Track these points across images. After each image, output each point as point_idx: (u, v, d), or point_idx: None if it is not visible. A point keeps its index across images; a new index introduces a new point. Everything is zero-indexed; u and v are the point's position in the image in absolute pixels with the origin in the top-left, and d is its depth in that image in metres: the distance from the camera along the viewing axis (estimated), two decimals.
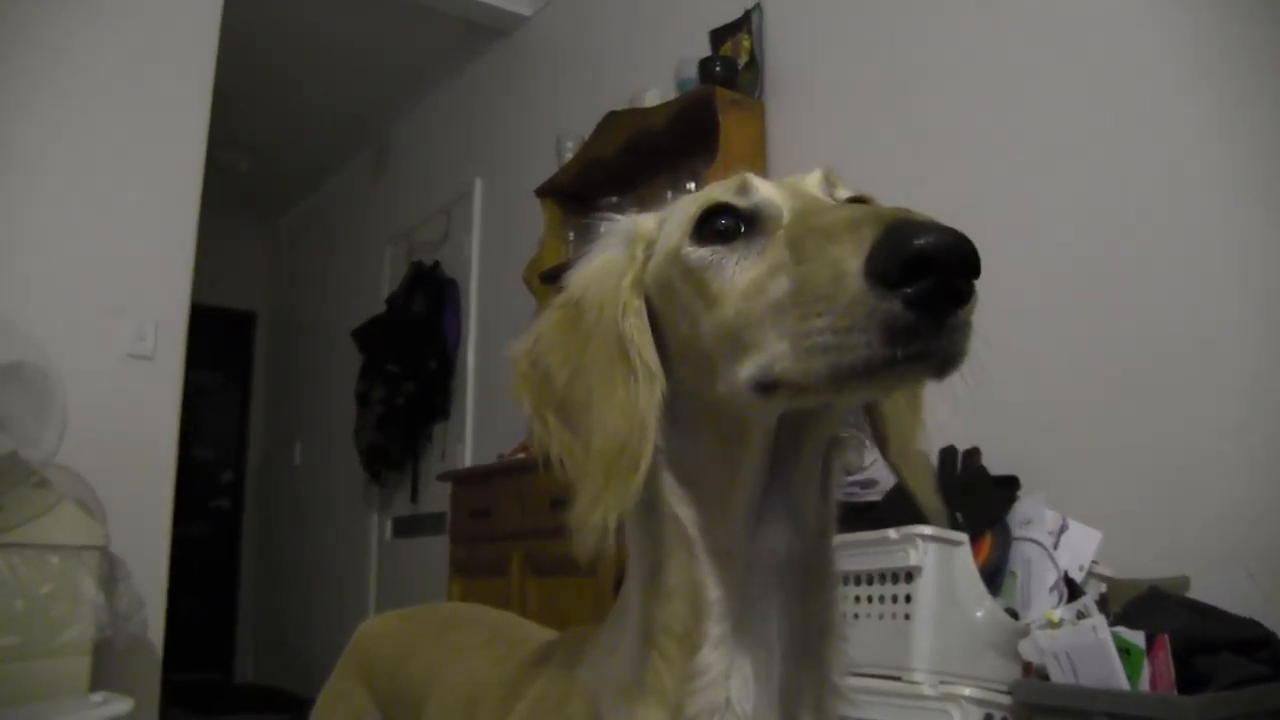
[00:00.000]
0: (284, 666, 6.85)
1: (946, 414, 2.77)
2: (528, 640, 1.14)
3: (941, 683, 2.04)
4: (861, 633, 2.22)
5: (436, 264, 5.53)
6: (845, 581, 2.28)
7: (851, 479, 2.56)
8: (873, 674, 2.16)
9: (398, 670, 1.28)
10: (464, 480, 3.92)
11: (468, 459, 4.97)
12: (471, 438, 5.06)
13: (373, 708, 1.32)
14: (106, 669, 3.21)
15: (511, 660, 1.08)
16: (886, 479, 2.52)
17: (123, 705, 2.76)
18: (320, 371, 6.89)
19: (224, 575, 7.63)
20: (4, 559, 3.00)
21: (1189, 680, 1.80)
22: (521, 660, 1.06)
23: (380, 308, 5.88)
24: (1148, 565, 2.18)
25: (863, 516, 2.38)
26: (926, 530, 2.10)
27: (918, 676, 2.06)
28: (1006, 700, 2.04)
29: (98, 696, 2.89)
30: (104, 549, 3.21)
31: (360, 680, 1.37)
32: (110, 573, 3.32)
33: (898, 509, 2.31)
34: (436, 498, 5.00)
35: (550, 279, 4.13)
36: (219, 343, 7.53)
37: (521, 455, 3.81)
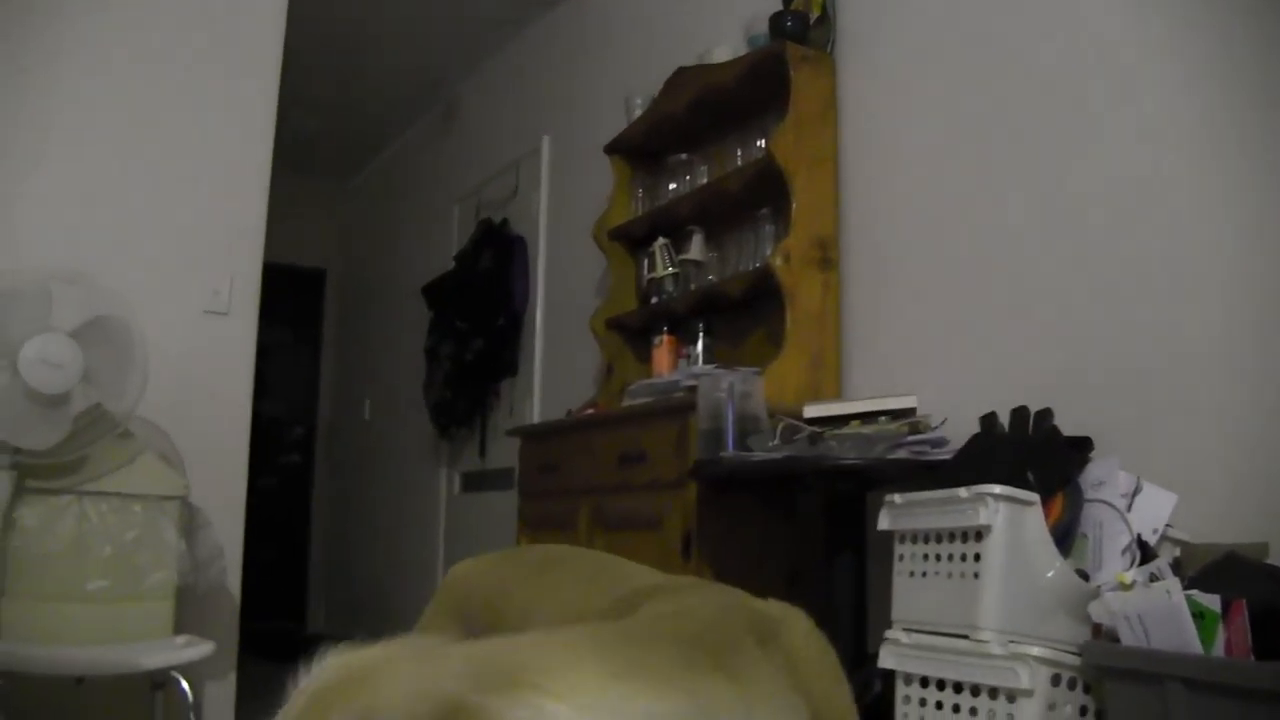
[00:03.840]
0: (354, 617, 6.98)
1: (1020, 374, 2.76)
2: (630, 577, 1.17)
3: (1010, 642, 2.04)
4: (930, 591, 2.23)
5: (505, 221, 5.56)
6: (914, 540, 2.28)
7: (921, 437, 2.56)
8: (941, 632, 2.17)
9: (493, 608, 1.30)
10: (533, 435, 3.96)
11: (536, 415, 5.02)
12: (540, 394, 5.10)
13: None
14: (189, 614, 3.30)
15: (612, 595, 1.10)
16: (957, 438, 2.52)
17: (205, 648, 2.85)
18: (389, 328, 6.97)
19: (296, 528, 7.79)
20: (93, 506, 3.11)
21: (1265, 649, 1.77)
22: (623, 595, 1.09)
23: (449, 265, 5.93)
24: (1224, 530, 2.15)
25: (932, 475, 2.38)
26: (997, 489, 2.10)
27: (985, 635, 2.06)
28: (1075, 661, 2.04)
29: (182, 639, 2.98)
30: (184, 499, 3.30)
31: (453, 620, 1.39)
32: (191, 521, 3.41)
33: (967, 468, 2.31)
34: (505, 453, 5.06)
35: (619, 236, 4.15)
36: (290, 300, 7.63)
37: (590, 411, 3.84)
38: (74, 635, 3.02)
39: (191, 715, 2.78)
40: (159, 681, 3.00)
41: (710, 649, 0.92)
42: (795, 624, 1.11)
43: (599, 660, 0.82)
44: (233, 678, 3.79)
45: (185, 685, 2.78)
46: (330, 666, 0.77)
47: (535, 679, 0.76)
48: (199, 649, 2.85)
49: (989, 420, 2.50)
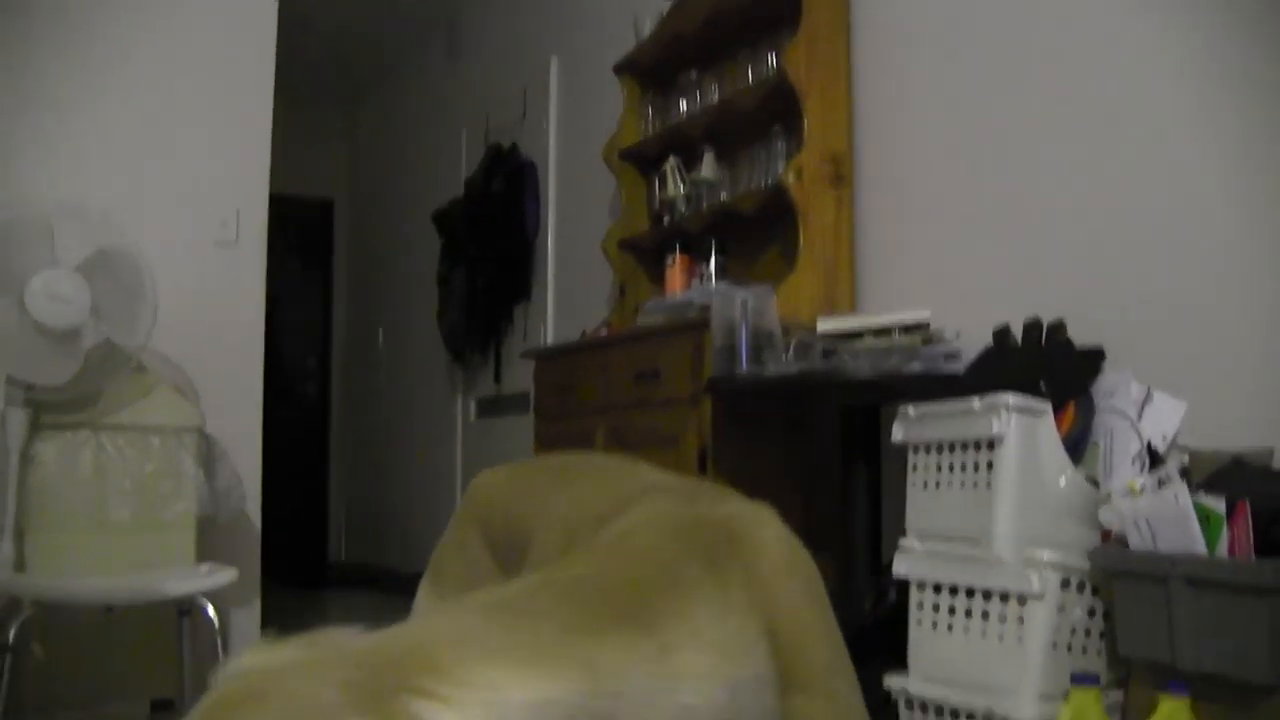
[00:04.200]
0: (373, 544, 7.07)
1: (1033, 287, 2.75)
2: (637, 478, 1.17)
3: (1022, 548, 2.06)
4: (943, 501, 2.25)
5: (514, 145, 5.53)
6: (928, 450, 2.29)
7: (934, 350, 2.56)
8: (954, 539, 2.19)
9: (511, 515, 1.32)
10: (547, 357, 3.98)
11: (549, 339, 5.03)
12: (553, 317, 5.11)
13: (487, 554, 1.37)
14: (212, 544, 3.36)
15: (615, 497, 1.11)
16: (971, 351, 2.52)
17: (228, 574, 2.90)
18: (400, 257, 6.97)
19: (314, 458, 7.85)
20: (110, 440, 3.15)
21: (1268, 547, 1.80)
22: (622, 495, 1.09)
23: (458, 191, 5.91)
24: (1232, 437, 2.15)
25: (946, 387, 2.38)
26: (1010, 400, 2.10)
27: (998, 542, 2.09)
28: (1085, 566, 2.06)
29: (205, 567, 3.04)
30: (201, 430, 3.34)
31: (475, 529, 1.41)
32: (208, 453, 3.45)
33: (980, 379, 2.32)
34: (519, 378, 5.08)
35: (629, 157, 4.12)
36: (300, 231, 7.61)
37: (604, 332, 3.85)
38: (100, 566, 3.08)
39: (219, 640, 2.83)
40: (185, 609, 3.06)
41: (632, 593, 0.88)
42: (761, 532, 1.05)
43: (489, 644, 0.79)
44: (257, 604, 3.86)
45: (211, 611, 2.83)
46: (232, 676, 0.76)
47: (420, 681, 0.73)
48: (222, 576, 2.90)
49: (1002, 333, 2.50)
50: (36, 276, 2.86)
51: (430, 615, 0.84)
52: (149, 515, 3.18)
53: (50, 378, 2.95)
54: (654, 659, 0.84)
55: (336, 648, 0.77)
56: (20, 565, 3.00)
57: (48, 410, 3.08)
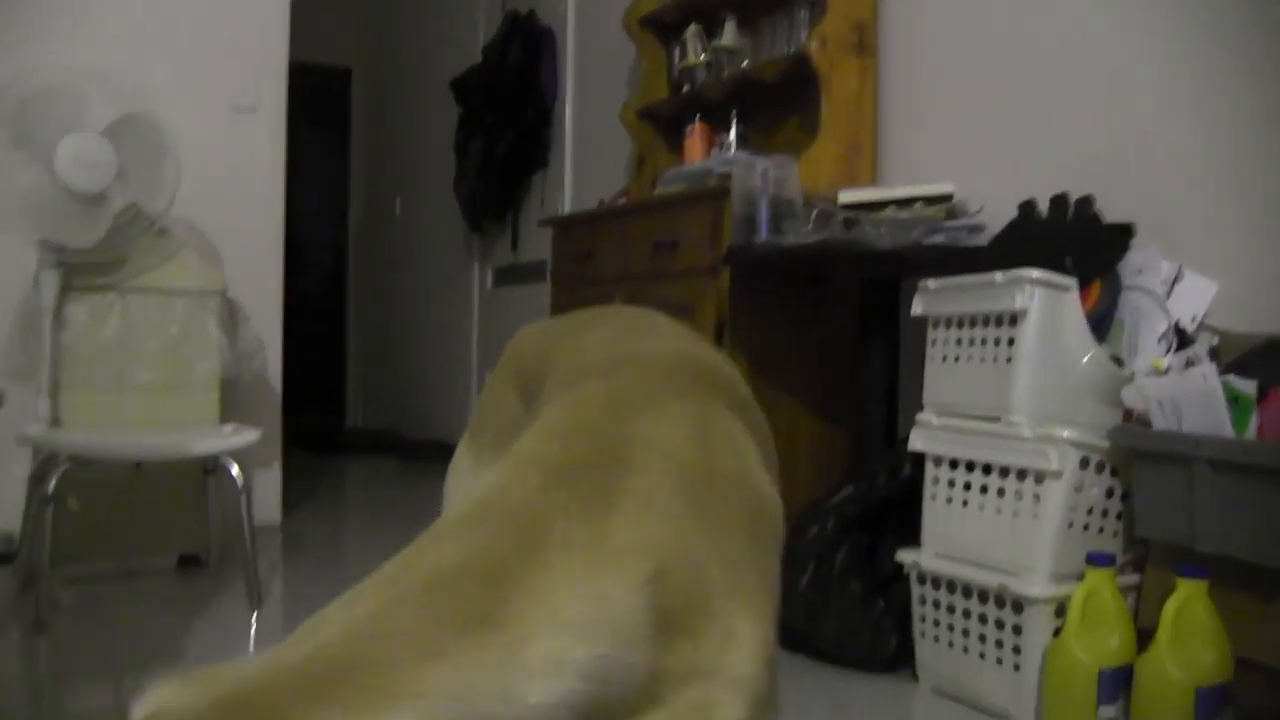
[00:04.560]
0: (391, 411, 7.14)
1: (1061, 160, 2.71)
2: (635, 342, 1.15)
3: (1040, 426, 2.06)
4: (962, 375, 2.24)
5: (532, 12, 5.42)
6: (948, 324, 2.28)
7: (957, 223, 2.54)
8: (972, 415, 2.19)
9: (538, 366, 1.32)
10: (565, 225, 3.96)
11: (566, 207, 5.00)
12: (570, 186, 5.07)
13: (521, 406, 1.37)
14: (234, 405, 3.42)
15: (607, 357, 1.09)
16: (995, 225, 2.50)
17: (251, 435, 2.94)
18: (418, 125, 6.88)
19: (333, 325, 7.89)
20: (136, 302, 3.18)
21: None
22: (609, 358, 1.07)
23: (476, 59, 5.81)
24: (1264, 319, 2.14)
25: (968, 262, 2.36)
26: (1034, 274, 2.08)
27: (1017, 418, 2.09)
28: (1105, 445, 2.06)
29: (229, 427, 3.08)
30: (223, 293, 3.36)
31: (512, 382, 1.42)
32: (231, 316, 3.48)
33: (1004, 253, 2.29)
34: (536, 246, 5.07)
35: (650, 24, 4.03)
36: (317, 100, 7.53)
37: (622, 201, 3.82)
38: (129, 424, 3.15)
39: (243, 499, 2.88)
40: (210, 467, 3.12)
41: (489, 581, 0.78)
42: (661, 453, 0.90)
43: (330, 683, 0.72)
44: (278, 465, 3.94)
45: (235, 470, 2.88)
46: None
47: None
48: (246, 436, 2.94)
49: (1027, 206, 2.47)
50: (65, 140, 2.88)
51: (296, 640, 0.77)
52: (174, 376, 3.23)
53: (79, 240, 2.97)
54: (500, 662, 0.75)
55: (216, 695, 0.75)
56: (55, 422, 3.07)
57: (77, 273, 3.11)
